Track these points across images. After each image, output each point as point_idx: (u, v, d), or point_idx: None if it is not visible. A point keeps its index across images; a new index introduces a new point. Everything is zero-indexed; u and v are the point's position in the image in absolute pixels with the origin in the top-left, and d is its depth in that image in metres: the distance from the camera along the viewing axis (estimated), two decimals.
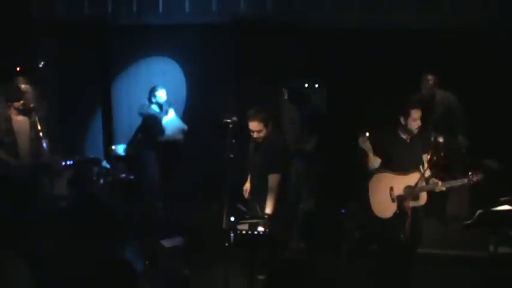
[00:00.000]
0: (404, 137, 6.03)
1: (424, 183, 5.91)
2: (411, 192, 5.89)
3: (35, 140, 6.79)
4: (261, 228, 5.49)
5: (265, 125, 6.02)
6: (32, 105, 6.77)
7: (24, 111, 6.74)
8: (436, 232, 6.83)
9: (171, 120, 8.57)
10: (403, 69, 8.02)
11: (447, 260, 6.74)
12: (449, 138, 7.12)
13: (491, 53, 7.98)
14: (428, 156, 5.97)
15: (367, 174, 6.17)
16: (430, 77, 7.44)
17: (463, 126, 7.48)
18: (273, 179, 5.95)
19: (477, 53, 8.04)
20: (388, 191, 5.97)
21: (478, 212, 5.56)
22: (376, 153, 6.08)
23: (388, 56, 8.23)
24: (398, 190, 5.95)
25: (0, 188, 6.74)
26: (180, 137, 8.60)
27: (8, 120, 6.69)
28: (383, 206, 5.97)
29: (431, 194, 6.00)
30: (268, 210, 5.91)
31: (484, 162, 7.06)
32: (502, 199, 5.80)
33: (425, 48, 8.10)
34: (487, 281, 5.95)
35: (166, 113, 8.51)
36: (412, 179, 5.89)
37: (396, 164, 5.98)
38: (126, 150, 8.71)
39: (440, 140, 5.93)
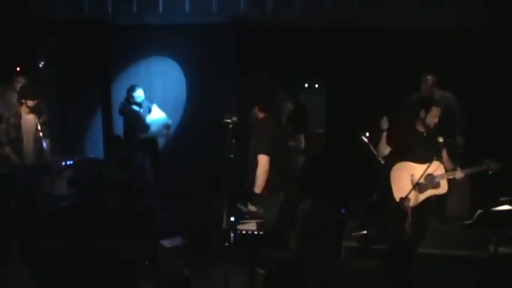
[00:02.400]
0: (421, 130, 6.07)
1: (443, 172, 5.95)
2: (432, 180, 5.93)
3: (39, 140, 6.85)
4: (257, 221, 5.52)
5: (260, 110, 6.09)
6: (37, 106, 6.86)
7: (34, 111, 6.83)
8: (436, 232, 6.82)
9: (154, 116, 8.55)
10: (403, 69, 8.02)
11: (447, 260, 6.73)
12: (448, 139, 7.13)
13: (491, 52, 7.99)
14: (443, 156, 6.03)
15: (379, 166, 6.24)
16: (429, 77, 7.44)
17: (462, 126, 7.48)
18: (261, 160, 5.94)
19: (477, 53, 8.05)
20: (409, 178, 6.00)
21: (478, 212, 5.56)
22: (394, 146, 6.13)
23: (388, 56, 8.24)
24: (418, 178, 5.98)
25: (1, 187, 6.77)
26: (165, 132, 8.60)
27: (18, 116, 6.80)
28: (405, 193, 5.99)
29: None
30: (257, 189, 5.94)
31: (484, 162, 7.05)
32: (502, 199, 5.80)
33: (424, 48, 8.10)
34: (487, 281, 5.95)
35: (150, 110, 8.51)
36: (433, 167, 5.91)
37: (415, 157, 6.02)
38: (113, 150, 8.72)
39: (440, 140, 5.95)
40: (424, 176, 5.94)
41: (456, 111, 7.47)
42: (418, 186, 5.96)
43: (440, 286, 6.34)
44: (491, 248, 6.17)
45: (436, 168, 5.93)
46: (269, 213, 5.99)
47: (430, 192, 6.00)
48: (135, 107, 8.43)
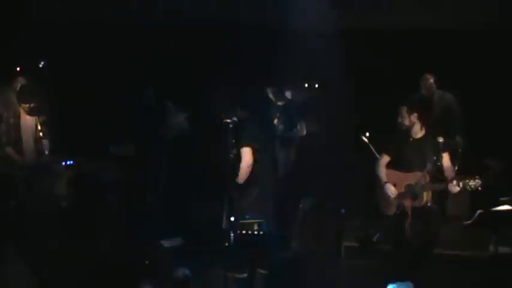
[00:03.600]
0: (414, 136, 6.05)
1: (425, 182, 5.92)
2: (411, 190, 5.90)
3: (39, 140, 6.87)
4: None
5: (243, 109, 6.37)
6: (37, 106, 6.88)
7: (34, 111, 6.84)
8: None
9: (171, 115, 8.57)
10: (402, 69, 8.02)
11: (447, 260, 6.73)
12: (448, 139, 7.14)
13: (491, 52, 7.99)
14: (443, 158, 5.98)
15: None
16: (428, 77, 7.44)
17: (461, 126, 7.48)
18: (245, 153, 6.14)
19: (477, 53, 8.05)
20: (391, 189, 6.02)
21: (478, 212, 5.57)
22: (386, 151, 6.16)
23: (388, 56, 8.24)
24: (400, 188, 5.97)
25: (1, 187, 6.78)
26: (186, 125, 8.60)
27: (17, 116, 6.83)
28: (388, 202, 6.00)
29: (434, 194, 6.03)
30: (239, 180, 6.12)
31: (484, 162, 7.05)
32: (502, 199, 5.80)
33: (425, 48, 8.10)
34: (487, 281, 5.95)
35: (164, 109, 8.51)
36: (414, 177, 5.90)
37: (404, 163, 6.01)
38: (124, 149, 8.70)
39: (440, 140, 5.94)
40: (404, 185, 5.96)
41: (456, 111, 7.46)
42: (397, 197, 5.97)
43: (440, 286, 6.34)
44: (491, 248, 6.18)
45: (417, 177, 5.91)
46: (247, 203, 6.16)
47: (408, 203, 5.98)
48: (147, 107, 8.45)
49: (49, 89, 7.98)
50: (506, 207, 5.59)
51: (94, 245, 6.69)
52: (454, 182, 5.82)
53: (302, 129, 8.14)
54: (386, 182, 6.03)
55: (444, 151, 5.98)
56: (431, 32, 8.09)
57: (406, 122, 6.05)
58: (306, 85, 9.07)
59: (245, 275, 5.83)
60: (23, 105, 6.79)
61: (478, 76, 8.00)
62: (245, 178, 6.18)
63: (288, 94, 8.28)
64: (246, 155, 6.17)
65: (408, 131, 6.08)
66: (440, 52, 8.05)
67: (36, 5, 8.93)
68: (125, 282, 5.48)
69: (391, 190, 6.01)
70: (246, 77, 8.43)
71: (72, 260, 6.21)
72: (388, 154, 6.18)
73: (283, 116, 8.02)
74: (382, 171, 6.14)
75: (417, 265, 6.06)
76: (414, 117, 5.98)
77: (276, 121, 8.00)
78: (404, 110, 6.13)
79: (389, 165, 6.14)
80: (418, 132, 6.02)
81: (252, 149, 6.17)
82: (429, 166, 5.87)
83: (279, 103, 8.18)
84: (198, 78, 9.11)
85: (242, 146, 6.17)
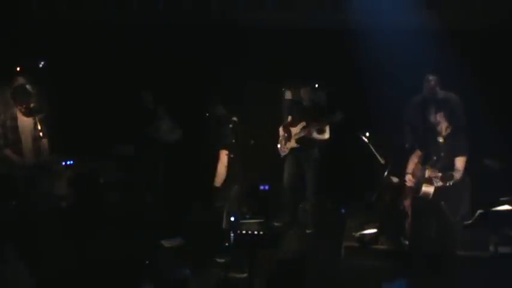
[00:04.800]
0: (439, 135, 6.19)
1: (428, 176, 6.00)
2: (416, 182, 6.01)
3: (38, 139, 6.87)
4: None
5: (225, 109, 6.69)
6: (36, 106, 6.88)
7: (29, 112, 6.84)
8: None
9: (162, 121, 8.56)
10: (405, 70, 8.01)
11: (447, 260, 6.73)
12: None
13: (492, 52, 8.00)
14: (459, 160, 6.08)
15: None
16: (431, 78, 7.42)
17: (464, 126, 7.47)
18: (221, 155, 6.41)
19: (478, 53, 8.05)
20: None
21: (478, 212, 5.57)
22: (419, 147, 6.43)
23: (389, 57, 8.23)
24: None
25: (1, 187, 6.78)
26: (175, 137, 8.56)
27: (14, 118, 6.84)
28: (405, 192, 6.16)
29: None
30: (216, 182, 6.41)
31: (484, 162, 7.05)
32: (502, 199, 5.81)
33: (425, 48, 8.10)
34: (487, 281, 5.95)
35: (157, 113, 8.49)
36: (425, 171, 5.99)
37: (426, 159, 6.13)
38: (114, 150, 8.71)
39: (440, 140, 5.96)
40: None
41: (460, 111, 7.44)
42: (411, 189, 6.06)
43: (440, 286, 6.34)
44: (491, 248, 6.18)
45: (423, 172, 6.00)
46: (226, 205, 6.36)
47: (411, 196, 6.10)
48: (142, 110, 8.44)
49: (48, 89, 8.02)
50: (506, 207, 5.60)
51: (94, 244, 6.70)
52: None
53: (326, 131, 8.00)
54: (407, 173, 6.32)
55: (463, 154, 6.04)
56: (432, 32, 8.09)
57: (432, 120, 6.18)
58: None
59: (245, 275, 5.83)
60: (19, 106, 6.80)
61: (479, 76, 8.00)
62: (222, 180, 6.47)
63: (304, 94, 8.21)
64: (222, 156, 6.41)
65: (435, 129, 6.18)
66: (441, 52, 8.04)
67: (36, 4, 8.91)
68: (125, 282, 5.49)
69: (408, 178, 6.32)
70: (256, 77, 8.47)
71: (72, 259, 6.22)
72: (420, 149, 6.40)
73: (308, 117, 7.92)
74: (411, 164, 6.38)
75: (418, 262, 6.08)
76: (440, 116, 6.10)
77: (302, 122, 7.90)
78: (432, 108, 6.28)
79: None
80: (443, 131, 6.11)
81: (228, 150, 6.40)
82: (440, 163, 5.95)
83: (297, 103, 8.10)
84: (198, 78, 9.14)
85: (221, 148, 6.43)
